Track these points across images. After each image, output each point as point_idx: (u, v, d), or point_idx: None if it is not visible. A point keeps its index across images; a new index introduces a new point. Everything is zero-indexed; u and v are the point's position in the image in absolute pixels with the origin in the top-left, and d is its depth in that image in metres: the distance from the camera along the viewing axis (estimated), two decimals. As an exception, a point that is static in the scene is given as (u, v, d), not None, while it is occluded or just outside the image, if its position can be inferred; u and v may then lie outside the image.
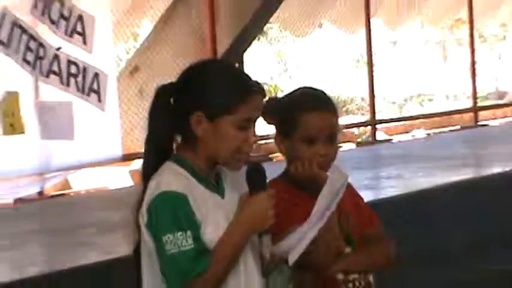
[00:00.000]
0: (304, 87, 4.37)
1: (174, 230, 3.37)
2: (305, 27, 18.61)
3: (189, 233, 3.36)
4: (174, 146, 3.58)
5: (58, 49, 13.05)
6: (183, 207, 3.41)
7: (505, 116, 23.32)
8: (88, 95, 13.65)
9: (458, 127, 21.45)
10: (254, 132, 3.49)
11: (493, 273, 7.96)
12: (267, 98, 3.89)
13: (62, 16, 13.43)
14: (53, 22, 13.24)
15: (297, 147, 4.01)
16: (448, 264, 8.35)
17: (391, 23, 21.51)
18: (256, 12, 15.83)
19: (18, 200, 13.00)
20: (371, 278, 4.01)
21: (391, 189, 11.51)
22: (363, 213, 4.22)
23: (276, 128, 4.13)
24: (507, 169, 12.81)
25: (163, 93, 3.59)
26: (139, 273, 3.51)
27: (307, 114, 3.99)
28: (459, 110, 23.81)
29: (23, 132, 12.70)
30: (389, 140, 19.07)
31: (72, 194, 14.62)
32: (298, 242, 3.61)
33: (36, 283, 7.64)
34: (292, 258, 3.55)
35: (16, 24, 12.85)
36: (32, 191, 13.33)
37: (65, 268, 8.10)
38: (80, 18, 13.64)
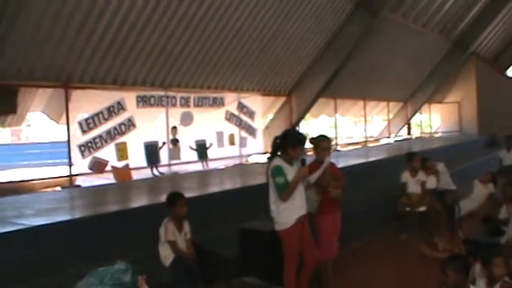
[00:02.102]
0: (321, 134, 7.00)
1: (278, 175, 5.90)
2: (317, 115, 22.43)
3: (282, 177, 5.88)
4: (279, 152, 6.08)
5: (245, 121, 17.83)
6: (280, 169, 5.90)
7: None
8: (252, 134, 18.32)
9: (360, 146, 25.09)
10: (303, 150, 6.10)
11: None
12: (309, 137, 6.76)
13: (248, 112, 18.03)
14: (244, 113, 17.80)
15: (318, 152, 6.68)
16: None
17: (342, 114, 24.83)
18: (302, 113, 19.63)
19: (233, 165, 16.84)
20: (340, 191, 6.75)
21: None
22: (337, 170, 7.06)
23: (313, 145, 6.76)
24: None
25: (276, 138, 6.16)
26: (268, 188, 6.05)
27: (322, 142, 6.72)
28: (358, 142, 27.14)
29: (234, 144, 17.58)
30: (340, 150, 21.47)
31: (247, 163, 17.70)
32: (315, 175, 6.34)
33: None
34: (312, 180, 6.34)
35: (233, 114, 17.39)
36: (237, 161, 17.56)
37: (242, 186, 11.23)
38: (253, 113, 18.15)
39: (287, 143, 6.02)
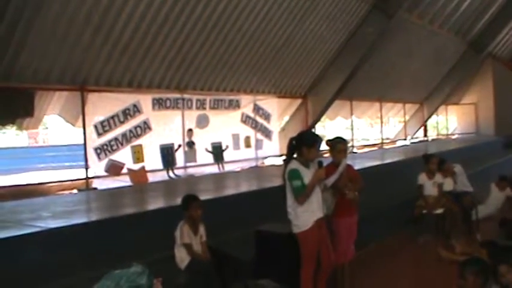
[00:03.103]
0: (338, 136, 6.97)
1: (294, 179, 5.91)
2: (333, 116, 22.23)
3: (299, 180, 5.89)
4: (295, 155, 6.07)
5: (261, 124, 17.86)
6: (297, 173, 5.91)
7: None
8: (267, 137, 18.27)
9: (376, 148, 25.22)
10: (319, 150, 6.13)
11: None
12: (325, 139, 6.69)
13: (264, 114, 17.94)
14: (260, 116, 17.79)
15: (335, 154, 6.68)
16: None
17: (358, 116, 24.65)
18: (318, 115, 19.48)
19: (249, 168, 16.92)
20: (357, 194, 6.69)
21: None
22: (354, 172, 7.04)
23: (329, 147, 6.75)
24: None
25: (291, 139, 6.16)
26: (284, 192, 6.10)
27: (339, 143, 6.68)
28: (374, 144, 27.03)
29: (250, 147, 17.49)
30: (356, 152, 21.68)
31: (263, 166, 17.73)
32: (331, 179, 6.34)
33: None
34: (329, 183, 6.33)
35: (248, 116, 17.32)
36: (253, 164, 17.43)
37: (258, 188, 11.31)
38: (269, 115, 18.07)
39: (302, 142, 6.01)
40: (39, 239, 6.41)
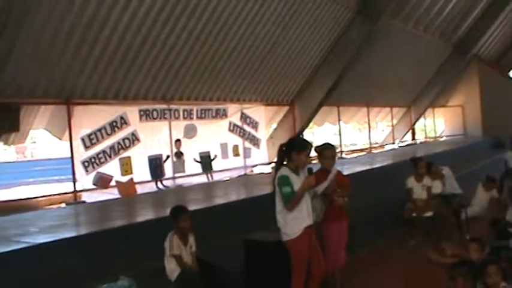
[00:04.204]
0: (326, 142, 7.00)
1: (284, 185, 5.86)
2: (321, 123, 22.42)
3: (289, 186, 5.84)
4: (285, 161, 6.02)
5: (249, 132, 17.85)
6: (287, 179, 5.87)
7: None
8: (256, 145, 18.28)
9: (364, 153, 25.03)
10: (309, 156, 6.06)
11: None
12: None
13: (251, 122, 17.94)
14: (248, 124, 17.81)
15: (323, 160, 6.71)
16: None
17: (346, 122, 24.91)
18: (306, 122, 19.53)
19: (238, 176, 16.88)
20: (346, 199, 6.72)
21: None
22: (344, 178, 7.02)
23: (317, 153, 6.76)
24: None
25: (281, 146, 6.12)
26: (274, 198, 6.02)
27: (327, 150, 6.72)
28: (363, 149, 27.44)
29: (239, 155, 17.49)
30: (344, 157, 21.58)
31: (252, 174, 17.83)
32: (321, 186, 6.35)
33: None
34: (319, 191, 6.36)
35: (236, 125, 17.34)
36: (241, 172, 17.45)
37: (247, 197, 11.26)
38: (256, 123, 18.07)
39: (292, 148, 5.97)
40: (27, 255, 6.31)
